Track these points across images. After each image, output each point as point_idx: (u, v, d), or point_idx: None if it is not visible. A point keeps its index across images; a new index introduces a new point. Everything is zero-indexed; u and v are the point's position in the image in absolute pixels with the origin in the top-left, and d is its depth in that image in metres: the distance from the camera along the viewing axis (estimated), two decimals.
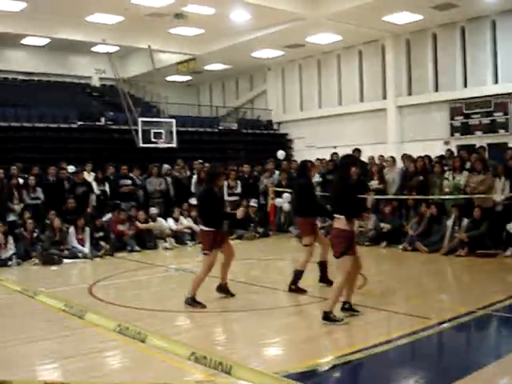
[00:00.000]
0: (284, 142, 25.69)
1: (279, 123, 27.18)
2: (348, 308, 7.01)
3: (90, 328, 5.92)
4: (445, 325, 6.43)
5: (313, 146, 23.97)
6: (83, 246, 12.76)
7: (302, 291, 8.46)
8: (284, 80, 26.97)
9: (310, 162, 9.17)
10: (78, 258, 12.45)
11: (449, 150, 15.23)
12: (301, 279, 8.48)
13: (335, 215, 6.79)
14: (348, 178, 6.85)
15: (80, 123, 20.61)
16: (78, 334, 6.32)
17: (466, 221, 11.81)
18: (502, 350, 5.83)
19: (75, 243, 12.72)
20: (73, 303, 2.81)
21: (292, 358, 5.64)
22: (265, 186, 16.47)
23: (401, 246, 12.57)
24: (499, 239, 11.68)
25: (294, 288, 8.47)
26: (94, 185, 14.74)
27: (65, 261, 12.19)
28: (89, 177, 15.03)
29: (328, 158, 16.43)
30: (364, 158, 15.53)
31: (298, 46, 22.95)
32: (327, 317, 6.57)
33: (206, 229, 7.74)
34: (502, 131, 18.74)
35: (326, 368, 5.17)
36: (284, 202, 15.59)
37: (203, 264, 7.77)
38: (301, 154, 23.50)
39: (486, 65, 19.25)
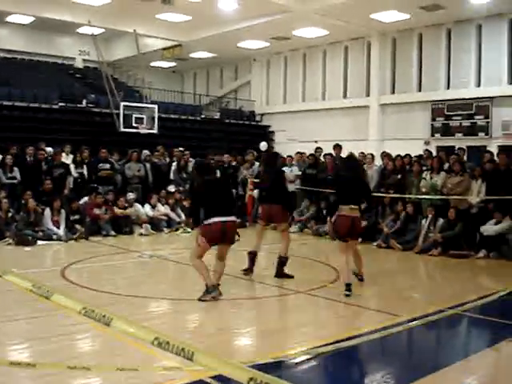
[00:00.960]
0: (266, 134, 25.70)
1: (262, 115, 27.17)
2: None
3: (61, 310, 5.88)
4: (414, 322, 6.49)
5: (294, 139, 24.01)
6: (58, 228, 12.67)
7: (289, 276, 8.74)
8: (269, 72, 26.94)
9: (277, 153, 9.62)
10: (53, 240, 12.35)
11: (427, 150, 15.33)
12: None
13: (352, 206, 7.85)
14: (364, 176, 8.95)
15: (61, 104, 20.45)
16: (48, 315, 6.28)
17: (441, 221, 11.94)
18: (468, 350, 5.92)
19: (50, 225, 12.62)
20: (41, 284, 2.79)
21: (261, 349, 5.67)
22: (244, 176, 16.46)
23: (375, 243, 12.67)
24: (473, 241, 11.85)
25: (281, 274, 8.74)
26: (72, 167, 14.62)
27: (39, 242, 12.07)
28: (67, 159, 14.90)
29: (309, 152, 16.43)
30: (344, 154, 15.58)
31: (284, 38, 22.94)
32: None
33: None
34: (481, 134, 18.91)
35: (294, 360, 5.19)
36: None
37: None
38: (282, 146, 23.53)
39: (469, 68, 19.43)
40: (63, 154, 14.79)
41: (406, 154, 14.41)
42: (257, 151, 17.75)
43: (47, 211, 12.70)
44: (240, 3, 19.01)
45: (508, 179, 11.68)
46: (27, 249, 11.59)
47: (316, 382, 4.88)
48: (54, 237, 12.42)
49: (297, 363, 5.14)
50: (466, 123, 19.35)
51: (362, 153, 15.65)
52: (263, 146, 18.06)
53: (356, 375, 5.02)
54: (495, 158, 12.77)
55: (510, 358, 5.71)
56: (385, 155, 14.70)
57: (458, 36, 19.76)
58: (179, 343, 2.18)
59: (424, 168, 13.36)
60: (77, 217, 13.25)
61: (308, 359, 5.20)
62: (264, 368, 4.68)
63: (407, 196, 12.95)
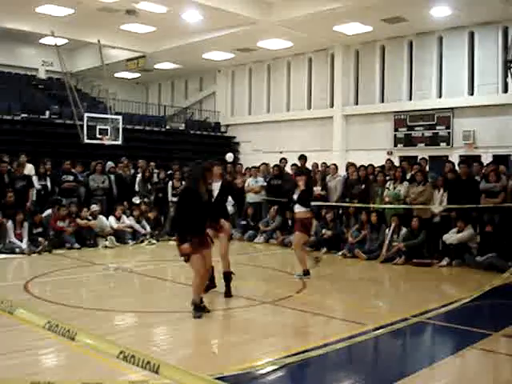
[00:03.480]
0: (231, 145, 25.72)
1: (227, 126, 27.18)
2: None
3: (24, 325, 5.78)
4: (380, 331, 6.55)
5: (259, 150, 24.09)
6: (21, 241, 12.48)
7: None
8: (234, 83, 27.01)
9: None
10: (15, 253, 12.17)
11: (389, 160, 15.51)
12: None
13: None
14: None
15: (24, 115, 20.16)
16: (11, 330, 6.17)
17: (404, 230, 12.09)
18: (433, 357, 5.98)
19: (13, 238, 12.43)
20: (3, 298, 2.75)
21: (228, 360, 5.64)
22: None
23: (340, 253, 12.77)
24: (436, 249, 12.04)
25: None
26: (35, 179, 14.39)
27: (1, 256, 11.88)
28: (26, 170, 14.62)
29: (274, 163, 16.51)
30: (309, 164, 15.71)
31: (248, 50, 23.03)
32: None
33: None
34: (443, 144, 19.23)
35: (262, 371, 5.19)
36: (228, 204, 15.56)
37: None
38: (247, 157, 23.62)
39: (431, 79, 19.75)
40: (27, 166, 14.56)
41: (369, 165, 14.58)
42: (222, 162, 17.71)
43: (10, 224, 12.51)
44: (204, 15, 19.06)
45: (469, 188, 11.91)
46: None
47: None
48: (17, 250, 12.24)
49: (264, 374, 5.14)
50: (427, 133, 19.66)
51: (324, 163, 15.79)
52: (229, 157, 17.90)
53: None
54: (457, 167, 12.99)
55: (475, 364, 5.80)
56: (350, 165, 14.80)
57: (419, 48, 20.09)
58: (145, 356, 2.17)
59: (387, 178, 13.53)
60: (40, 230, 13.08)
61: (275, 370, 5.21)
62: (231, 380, 4.68)
63: (371, 206, 13.09)
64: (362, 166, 14.29)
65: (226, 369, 5.05)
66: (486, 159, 15.65)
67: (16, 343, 5.84)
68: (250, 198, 15.71)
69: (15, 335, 6.06)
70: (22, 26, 20.78)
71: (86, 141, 19.41)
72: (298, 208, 10.05)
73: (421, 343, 6.66)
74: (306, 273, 9.91)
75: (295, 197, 10.11)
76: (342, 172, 15.23)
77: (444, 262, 11.55)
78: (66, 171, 14.89)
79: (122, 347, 2.27)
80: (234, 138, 26.59)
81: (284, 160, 16.47)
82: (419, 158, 17.46)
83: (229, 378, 4.74)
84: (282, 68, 24.59)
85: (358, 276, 11.08)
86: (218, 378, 3.96)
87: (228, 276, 8.44)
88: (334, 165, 15.03)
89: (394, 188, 12.90)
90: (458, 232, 11.62)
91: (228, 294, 8.38)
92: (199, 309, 7.07)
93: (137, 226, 14.59)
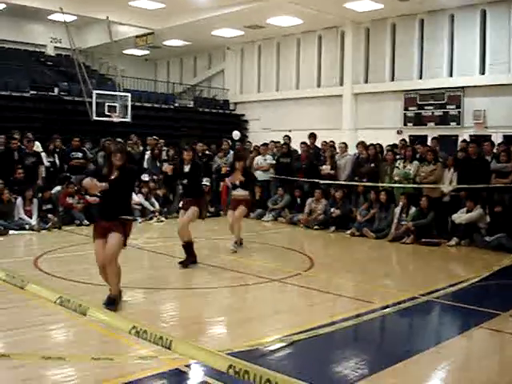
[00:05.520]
0: (240, 123, 25.66)
1: (236, 103, 27.11)
2: None
3: (34, 301, 5.85)
4: (388, 309, 6.58)
5: (268, 128, 24.02)
6: (30, 217, 12.54)
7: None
8: (243, 60, 26.86)
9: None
10: (25, 229, 12.23)
11: (403, 139, 15.43)
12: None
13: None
14: None
15: (33, 92, 20.15)
16: (21, 306, 6.23)
17: (413, 209, 12.06)
18: (441, 336, 6.00)
19: (23, 215, 12.49)
20: (14, 274, 2.76)
21: (237, 337, 5.68)
22: (218, 165, 16.42)
23: (349, 231, 12.76)
24: (444, 229, 12.01)
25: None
26: (43, 156, 14.41)
27: (10, 232, 11.95)
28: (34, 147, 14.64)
29: (283, 141, 16.48)
30: (318, 143, 15.69)
31: (258, 27, 22.86)
32: None
33: None
34: (453, 124, 19.12)
35: (271, 347, 5.23)
36: None
37: None
38: (256, 135, 23.56)
39: (441, 58, 19.56)
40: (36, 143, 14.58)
41: (377, 143, 14.49)
42: (231, 140, 17.70)
43: (19, 200, 12.56)
44: None
45: (479, 168, 11.84)
46: None
47: (291, 369, 4.91)
48: (27, 226, 12.30)
49: (272, 351, 5.17)
50: (438, 113, 19.54)
51: (332, 141, 15.72)
52: (236, 135, 17.95)
53: (331, 362, 5.06)
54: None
55: (482, 343, 5.81)
56: (360, 143, 14.70)
57: (430, 26, 19.88)
58: (157, 332, 2.18)
59: (397, 157, 13.46)
60: (49, 206, 13.12)
61: (283, 347, 5.24)
62: (240, 356, 4.70)
63: (380, 185, 13.05)
64: (372, 144, 14.23)
65: (234, 345, 5.08)
66: (497, 139, 15.55)
67: (26, 318, 5.89)
68: (259, 176, 15.68)
69: (25, 311, 6.12)
70: (31, 2, 20.69)
71: (95, 118, 19.42)
72: (240, 191, 10.60)
73: (428, 322, 6.67)
74: (241, 243, 10.59)
75: (237, 182, 10.53)
76: (351, 151, 15.15)
77: (453, 242, 11.53)
78: (75, 148, 14.91)
79: (134, 322, 2.28)
80: (243, 115, 26.52)
81: (287, 137, 16.46)
82: (429, 137, 17.35)
83: (237, 354, 4.76)
84: (291, 45, 24.42)
85: (367, 255, 11.08)
86: (227, 355, 3.99)
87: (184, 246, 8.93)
88: (344, 143, 14.98)
89: (404, 167, 12.85)
90: (467, 212, 11.59)
91: (182, 262, 8.80)
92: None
93: (146, 204, 14.62)
